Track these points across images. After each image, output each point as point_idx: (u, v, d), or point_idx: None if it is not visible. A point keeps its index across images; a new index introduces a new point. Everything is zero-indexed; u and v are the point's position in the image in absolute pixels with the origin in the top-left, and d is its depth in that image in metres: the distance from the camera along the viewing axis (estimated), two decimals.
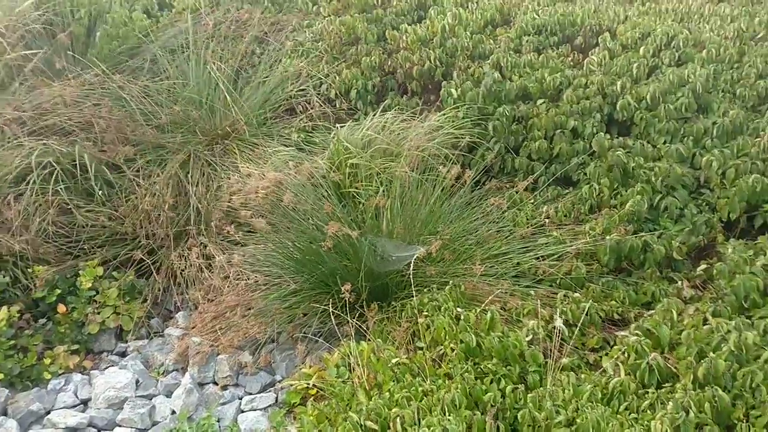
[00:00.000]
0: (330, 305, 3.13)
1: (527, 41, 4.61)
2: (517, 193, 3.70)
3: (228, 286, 3.46)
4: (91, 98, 4.53)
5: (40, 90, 4.53)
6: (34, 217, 3.86)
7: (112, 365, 3.39)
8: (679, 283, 3.15)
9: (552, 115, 4.01)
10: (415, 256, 3.15)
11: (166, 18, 5.46)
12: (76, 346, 3.46)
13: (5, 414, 3.15)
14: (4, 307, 3.38)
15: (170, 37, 5.17)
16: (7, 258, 3.69)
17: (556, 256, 3.27)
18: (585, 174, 3.74)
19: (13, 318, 3.37)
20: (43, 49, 4.97)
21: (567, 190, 3.78)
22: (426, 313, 2.99)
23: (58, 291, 3.58)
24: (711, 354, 2.53)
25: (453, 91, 4.27)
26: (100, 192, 4.01)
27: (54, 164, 4.03)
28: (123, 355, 3.51)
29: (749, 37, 4.30)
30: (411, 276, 3.08)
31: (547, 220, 3.47)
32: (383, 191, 3.65)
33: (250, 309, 3.36)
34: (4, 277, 3.57)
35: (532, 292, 3.13)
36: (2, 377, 3.23)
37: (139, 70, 4.94)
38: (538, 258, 3.28)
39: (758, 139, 3.51)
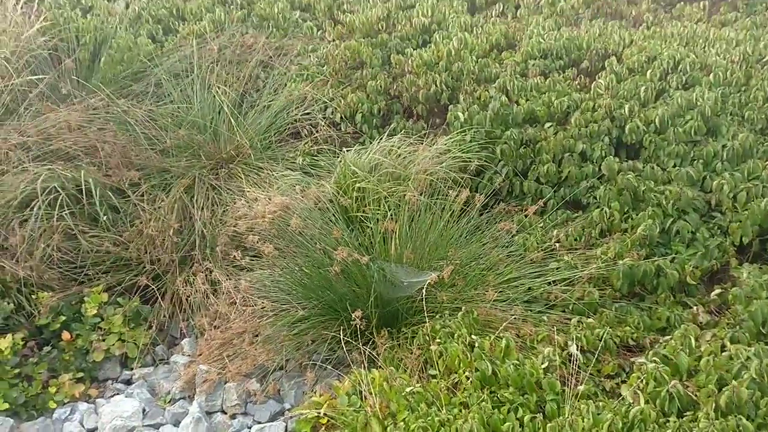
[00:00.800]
0: (339, 332, 3.07)
1: (533, 65, 4.60)
2: (526, 217, 3.66)
3: (235, 313, 3.39)
4: (96, 123, 4.50)
5: (45, 115, 4.50)
6: (38, 243, 3.81)
7: (118, 393, 3.31)
8: (694, 308, 3.10)
9: (560, 139, 3.98)
10: (426, 282, 3.09)
11: (170, 43, 5.45)
12: (81, 374, 3.39)
13: None
14: (9, 335, 3.31)
15: (175, 62, 5.16)
16: (11, 285, 3.64)
17: (568, 281, 3.22)
18: (595, 198, 3.71)
19: (17, 346, 3.31)
20: (48, 74, 4.96)
21: (577, 214, 3.74)
22: (439, 340, 2.93)
23: (63, 318, 3.52)
24: (733, 382, 2.48)
25: (460, 114, 4.25)
26: (104, 217, 3.97)
27: (59, 189, 3.99)
28: (128, 383, 3.43)
29: (755, 61, 4.30)
30: (422, 302, 3.02)
31: (557, 245, 3.43)
32: (391, 215, 3.61)
33: (257, 336, 3.30)
34: (8, 304, 3.51)
35: (545, 318, 3.08)
36: (7, 407, 3.16)
37: (144, 94, 4.92)
38: (549, 283, 3.23)
39: None
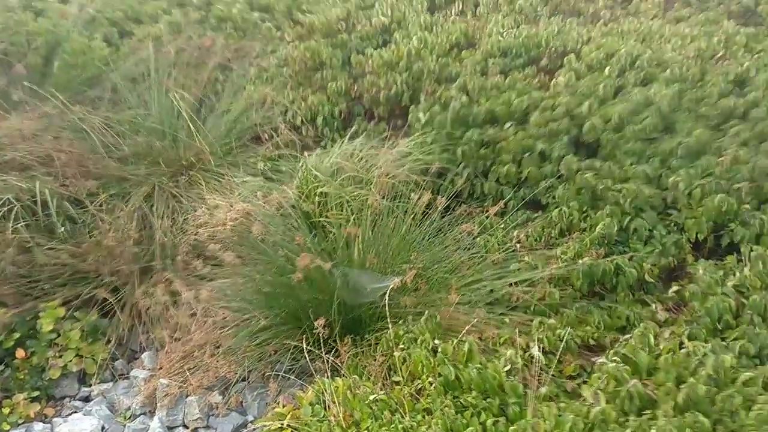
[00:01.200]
0: (302, 341, 3.05)
1: (493, 63, 4.60)
2: (487, 218, 3.66)
3: (195, 324, 3.35)
4: (51, 131, 4.40)
5: None
6: None
7: (76, 411, 3.25)
8: (653, 306, 3.13)
9: (520, 139, 3.99)
10: (389, 287, 3.08)
11: (126, 46, 5.34)
12: (36, 393, 3.31)
13: None
14: None
15: (131, 66, 5.06)
16: None
17: (529, 282, 3.23)
18: (554, 197, 3.73)
19: None
20: None
21: (537, 214, 3.75)
22: (402, 346, 2.92)
23: (17, 335, 3.43)
24: (690, 379, 2.51)
25: (421, 115, 4.24)
26: (62, 229, 3.88)
27: (13, 201, 3.89)
28: (87, 400, 3.37)
29: (709, 56, 4.35)
30: (385, 307, 3.01)
31: (518, 245, 3.44)
32: (354, 220, 3.59)
33: (218, 347, 3.26)
34: None
35: (507, 320, 3.09)
36: None
37: (100, 100, 4.81)
38: (511, 284, 3.24)
39: (722, 158, 3.53)
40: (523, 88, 4.36)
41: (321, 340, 2.97)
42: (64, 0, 5.97)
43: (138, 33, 5.47)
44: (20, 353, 3.36)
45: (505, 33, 4.93)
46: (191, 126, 4.46)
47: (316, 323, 2.97)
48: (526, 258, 3.35)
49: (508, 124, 4.11)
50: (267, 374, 3.18)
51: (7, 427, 3.15)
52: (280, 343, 3.19)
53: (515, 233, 3.54)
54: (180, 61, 5.07)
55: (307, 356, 3.00)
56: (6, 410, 3.20)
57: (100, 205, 4.01)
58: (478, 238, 3.56)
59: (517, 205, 3.78)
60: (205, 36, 5.38)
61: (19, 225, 3.80)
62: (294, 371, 3.12)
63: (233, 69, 5.10)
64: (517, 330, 2.93)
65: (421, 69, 4.62)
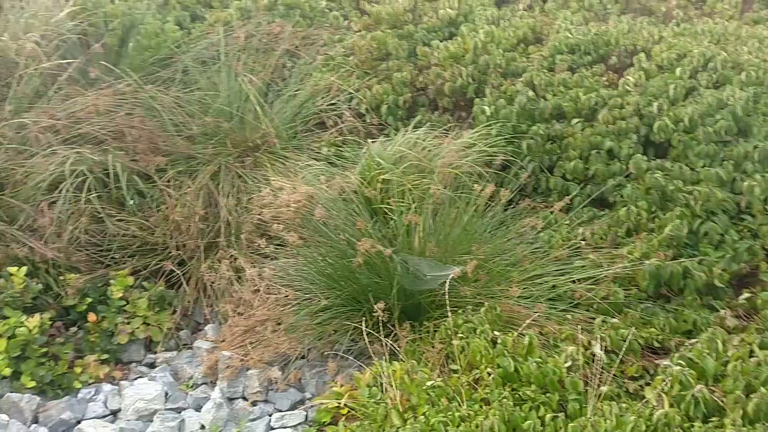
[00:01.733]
0: (361, 323, 3.03)
1: (561, 60, 4.50)
2: (551, 213, 3.58)
3: (258, 300, 3.36)
4: (124, 108, 4.47)
5: (74, 99, 4.48)
6: (66, 225, 3.80)
7: (141, 376, 3.31)
8: (722, 311, 3.02)
9: (587, 135, 3.90)
10: (449, 276, 3.04)
11: (198, 30, 5.40)
12: (105, 356, 3.39)
13: (36, 422, 3.10)
14: (37, 315, 3.32)
15: (202, 49, 5.11)
16: (40, 265, 3.63)
17: (593, 280, 3.14)
18: (621, 196, 3.62)
19: (45, 326, 3.31)
20: (77, 58, 4.93)
21: (603, 212, 3.66)
22: (461, 335, 2.88)
23: (89, 300, 3.51)
24: (761, 389, 2.41)
25: (486, 108, 4.17)
26: (131, 202, 3.95)
27: (86, 173, 3.98)
28: (152, 366, 3.43)
29: None
30: (445, 296, 2.97)
31: (582, 243, 3.36)
32: (415, 208, 3.55)
33: (280, 324, 3.27)
34: (37, 284, 3.50)
35: (569, 317, 3.01)
36: (34, 385, 3.17)
37: (171, 81, 4.87)
38: (574, 281, 3.16)
39: None
40: (591, 85, 4.26)
41: (380, 324, 2.95)
42: None
43: (209, 17, 5.52)
44: (92, 317, 3.43)
45: (573, 30, 4.82)
46: (258, 109, 4.49)
47: (375, 306, 2.96)
48: (591, 256, 3.26)
49: (575, 121, 4.02)
50: (326, 353, 3.18)
51: (79, 386, 3.24)
52: (340, 324, 3.19)
53: (580, 230, 3.45)
54: (249, 46, 5.09)
55: (366, 338, 2.98)
56: (78, 369, 3.29)
57: (168, 181, 4.06)
58: (542, 233, 3.49)
59: (582, 201, 3.69)
60: (273, 23, 5.39)
61: (91, 196, 3.89)
62: (353, 352, 3.11)
63: (300, 56, 5.10)
64: (579, 327, 2.85)
65: (486, 62, 4.55)
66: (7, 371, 3.18)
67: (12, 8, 5.37)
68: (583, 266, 3.22)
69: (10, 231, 3.77)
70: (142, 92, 4.57)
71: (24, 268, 3.48)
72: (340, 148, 4.36)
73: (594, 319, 2.96)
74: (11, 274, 3.47)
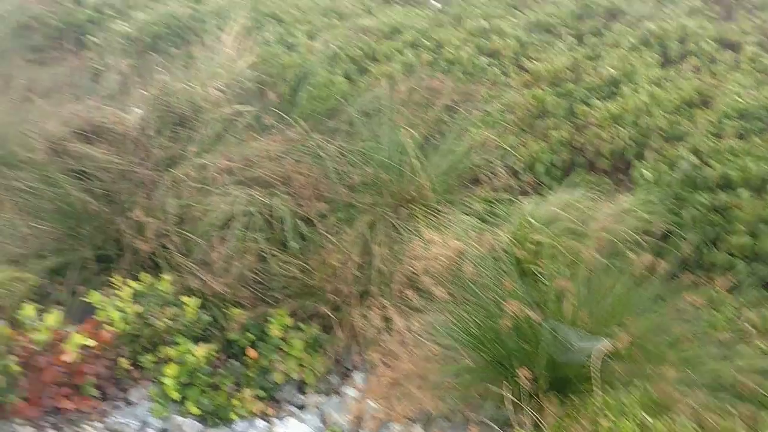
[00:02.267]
0: (506, 389, 2.97)
1: (729, 125, 4.24)
2: (716, 293, 3.34)
3: (405, 353, 3.40)
4: (292, 154, 4.74)
5: (248, 143, 4.81)
6: (234, 261, 4.06)
7: (292, 416, 3.43)
8: None
9: (757, 208, 3.62)
10: (600, 350, 2.91)
11: (363, 82, 5.63)
12: (261, 392, 3.54)
13: None
14: (204, 345, 3.54)
15: (366, 101, 5.32)
16: (210, 298, 3.90)
17: (762, 372, 2.88)
18: None
19: (211, 356, 3.52)
20: (254, 105, 5.30)
21: None
22: (609, 416, 2.74)
23: (250, 335, 3.70)
24: None
25: (645, 172, 4.01)
26: (293, 244, 4.15)
27: (255, 213, 4.24)
28: (302, 407, 3.54)
29: None
30: (594, 370, 2.84)
31: (750, 327, 3.09)
32: (567, 273, 3.45)
33: (424, 379, 3.28)
34: (207, 316, 3.75)
35: (733, 410, 2.78)
36: (198, 412, 3.37)
37: (336, 130, 5.10)
38: (739, 370, 2.91)
39: None
40: (763, 153, 3.96)
41: (525, 392, 2.87)
42: (312, 36, 6.45)
43: (374, 70, 5.74)
44: (252, 353, 3.62)
45: (744, 94, 4.53)
46: (415, 162, 4.58)
47: (520, 373, 2.89)
48: (760, 344, 3.00)
49: (743, 191, 3.75)
50: (469, 417, 3.14)
51: (235, 417, 3.41)
52: (484, 388, 3.14)
53: (747, 314, 3.19)
54: (410, 100, 5.24)
55: (509, 406, 2.91)
56: (236, 402, 3.46)
57: (328, 227, 4.24)
58: (703, 312, 3.26)
59: (751, 281, 3.42)
60: (434, 77, 5.52)
61: (257, 235, 4.13)
62: (497, 420, 3.05)
63: (458, 111, 5.17)
64: (743, 423, 2.62)
65: (647, 124, 4.37)
66: (176, 395, 3.41)
67: (202, 58, 5.90)
68: (751, 354, 2.97)
69: (186, 263, 4.09)
70: (310, 140, 4.82)
71: (198, 300, 3.74)
72: (493, 205, 4.35)
73: (761, 415, 2.71)
74: (185, 304, 3.74)
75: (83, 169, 4.74)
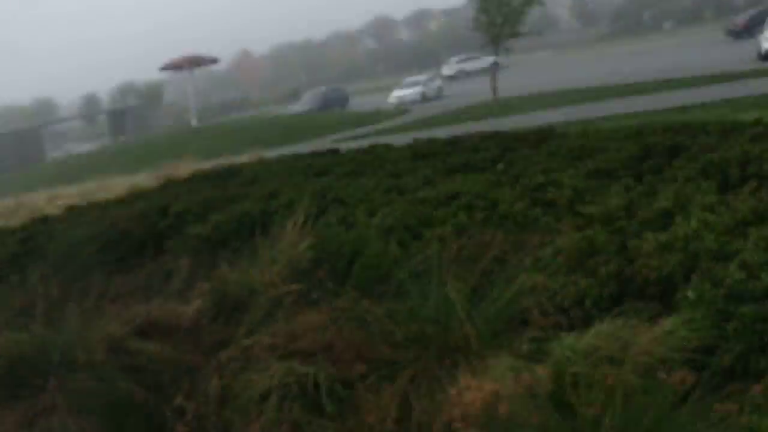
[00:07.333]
0: None
1: None
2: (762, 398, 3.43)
3: None
4: (338, 322, 5.33)
5: (295, 318, 5.47)
6: None
7: None
8: None
9: None
10: None
11: (415, 247, 6.30)
12: None
13: None
14: None
15: (417, 263, 5.94)
16: None
17: None
18: None
19: None
20: (307, 283, 6.04)
21: None
22: None
23: None
24: None
25: (690, 293, 4.25)
26: (331, 409, 4.59)
27: (293, 384, 4.76)
28: None
29: None
30: None
31: None
32: (604, 401, 3.67)
33: None
34: None
35: None
36: None
37: (385, 293, 5.69)
38: None
39: None
40: None
41: None
42: (372, 213, 7.32)
43: (426, 234, 6.43)
44: None
45: None
46: (462, 314, 5.03)
47: None
48: None
49: None
50: None
51: None
52: None
53: None
54: (460, 256, 5.81)
55: None
56: None
57: (367, 387, 4.67)
58: (747, 419, 3.34)
59: None
60: (485, 232, 6.10)
61: (294, 404, 4.61)
62: None
63: (509, 260, 5.65)
64: None
65: (696, 248, 4.66)
66: None
67: (265, 246, 6.82)
68: None
69: None
70: (358, 306, 5.42)
71: None
72: (541, 344, 4.65)
73: None
74: None
75: (137, 363, 5.55)
